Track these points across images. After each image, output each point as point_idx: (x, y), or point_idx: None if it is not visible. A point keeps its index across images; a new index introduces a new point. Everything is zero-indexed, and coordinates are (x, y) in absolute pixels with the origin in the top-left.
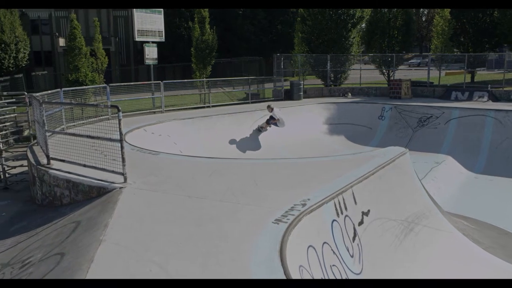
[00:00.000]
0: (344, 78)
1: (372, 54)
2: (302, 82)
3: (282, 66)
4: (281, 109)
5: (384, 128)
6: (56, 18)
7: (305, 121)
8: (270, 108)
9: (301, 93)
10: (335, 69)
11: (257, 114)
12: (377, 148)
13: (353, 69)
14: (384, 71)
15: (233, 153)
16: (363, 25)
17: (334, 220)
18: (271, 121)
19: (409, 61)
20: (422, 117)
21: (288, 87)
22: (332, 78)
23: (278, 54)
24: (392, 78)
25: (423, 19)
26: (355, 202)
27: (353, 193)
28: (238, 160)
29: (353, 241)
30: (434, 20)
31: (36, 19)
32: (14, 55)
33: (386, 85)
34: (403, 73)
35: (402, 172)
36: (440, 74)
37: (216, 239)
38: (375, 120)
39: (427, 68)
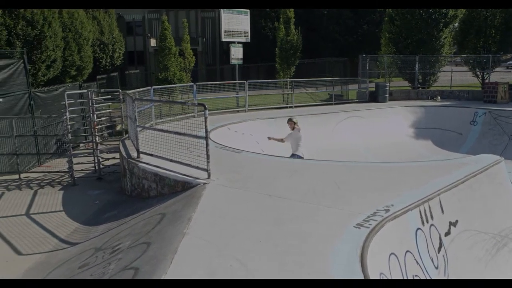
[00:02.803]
0: (433, 80)
1: (465, 55)
2: (388, 84)
3: (367, 67)
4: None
5: (476, 134)
6: (149, 20)
7: (390, 124)
8: (292, 123)
9: (387, 95)
10: (424, 70)
11: (340, 115)
12: (467, 155)
13: (444, 71)
14: (478, 73)
15: (315, 154)
16: (456, 24)
17: (418, 229)
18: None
19: (507, 63)
20: None
21: (373, 89)
22: (420, 80)
23: (364, 55)
24: (487, 80)
25: None
26: (442, 211)
27: (440, 202)
28: (319, 162)
29: (438, 252)
30: None
31: (131, 21)
32: (111, 54)
33: (480, 88)
34: (499, 75)
35: (496, 182)
36: None
37: (295, 239)
38: (466, 126)
39: None
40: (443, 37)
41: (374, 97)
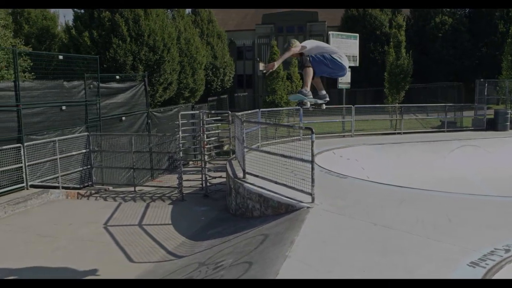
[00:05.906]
0: None
1: None
2: (509, 111)
3: (485, 93)
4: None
5: None
6: (258, 45)
7: (511, 155)
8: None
9: (507, 123)
10: None
11: (453, 143)
12: None
13: None
14: None
15: (424, 183)
16: None
17: None
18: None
19: None
20: None
21: (492, 116)
22: None
23: (482, 80)
24: None
25: None
26: None
27: None
28: (430, 192)
29: None
30: None
31: (241, 46)
32: (222, 78)
33: None
34: None
35: None
36: None
37: (401, 272)
38: None
39: None
40: None
41: (492, 125)
